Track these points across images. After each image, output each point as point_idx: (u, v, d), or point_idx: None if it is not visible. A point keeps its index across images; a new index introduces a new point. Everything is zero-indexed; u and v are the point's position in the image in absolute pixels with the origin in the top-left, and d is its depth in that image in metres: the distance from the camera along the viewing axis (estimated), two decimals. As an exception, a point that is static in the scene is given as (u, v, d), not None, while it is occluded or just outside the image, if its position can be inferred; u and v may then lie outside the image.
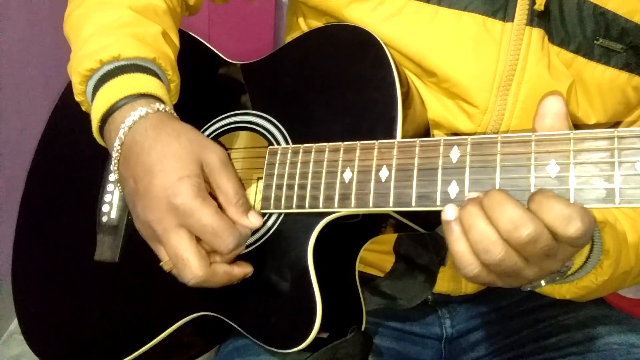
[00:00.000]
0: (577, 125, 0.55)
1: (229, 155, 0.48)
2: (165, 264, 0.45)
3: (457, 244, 0.38)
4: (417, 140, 0.44)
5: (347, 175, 0.46)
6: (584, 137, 0.38)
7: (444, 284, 0.61)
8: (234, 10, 1.27)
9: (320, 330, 0.44)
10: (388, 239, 0.57)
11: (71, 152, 0.65)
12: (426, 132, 0.54)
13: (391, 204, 0.43)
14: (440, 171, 0.42)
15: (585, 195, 0.37)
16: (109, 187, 0.60)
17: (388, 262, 0.59)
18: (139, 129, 0.46)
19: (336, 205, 0.46)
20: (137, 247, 0.49)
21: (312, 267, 0.45)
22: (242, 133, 0.57)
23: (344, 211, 0.46)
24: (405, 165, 0.44)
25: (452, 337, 0.61)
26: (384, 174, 0.44)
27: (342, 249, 0.51)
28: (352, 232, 0.51)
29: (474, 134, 0.53)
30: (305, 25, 0.62)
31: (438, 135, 0.55)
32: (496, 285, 0.40)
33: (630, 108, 0.57)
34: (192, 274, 0.43)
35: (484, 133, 0.53)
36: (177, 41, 0.56)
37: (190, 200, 0.43)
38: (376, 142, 0.45)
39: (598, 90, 0.54)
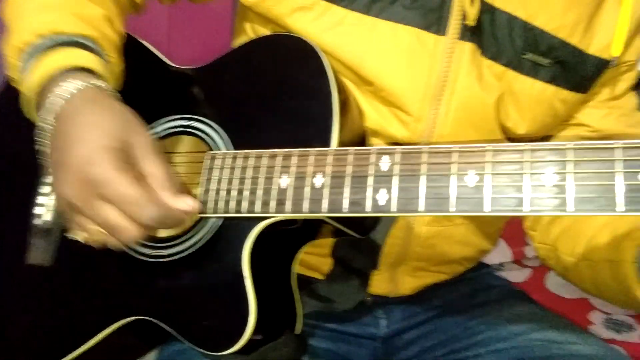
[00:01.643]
0: (508, 135, 0.61)
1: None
2: (78, 234, 0.45)
3: None
4: (351, 149, 0.48)
5: (284, 182, 0.49)
6: (500, 149, 0.43)
7: (382, 285, 0.66)
8: (195, 13, 1.28)
9: (254, 333, 0.48)
10: (327, 242, 0.61)
11: (4, 154, 0.65)
12: (363, 139, 0.58)
13: (325, 210, 0.47)
14: (370, 179, 0.46)
15: (499, 204, 0.42)
16: (44, 188, 0.60)
17: (327, 265, 0.63)
18: (74, 101, 0.46)
19: (273, 210, 0.49)
20: (72, 250, 0.51)
21: (247, 270, 0.49)
22: (184, 137, 0.59)
23: (280, 216, 0.49)
24: (339, 173, 0.48)
25: (387, 337, 0.66)
26: (318, 180, 0.48)
27: (279, 253, 0.55)
28: (289, 236, 0.55)
29: (409, 141, 0.57)
30: (251, 30, 0.65)
31: (376, 142, 0.59)
32: None
33: (559, 120, 0.63)
34: (128, 231, 0.43)
35: (418, 141, 0.57)
36: (121, 28, 0.57)
37: (107, 170, 0.42)
38: (312, 150, 0.49)
39: (527, 102, 0.59)
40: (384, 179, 0.46)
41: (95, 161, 0.43)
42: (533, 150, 0.42)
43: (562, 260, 0.62)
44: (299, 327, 0.55)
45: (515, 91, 0.59)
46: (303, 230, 0.55)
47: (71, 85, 0.46)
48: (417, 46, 0.55)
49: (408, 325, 0.66)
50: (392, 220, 0.58)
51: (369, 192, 0.46)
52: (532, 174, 0.41)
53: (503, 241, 1.30)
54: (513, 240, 1.37)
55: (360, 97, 0.58)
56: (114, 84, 0.53)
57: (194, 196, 0.55)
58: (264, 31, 0.62)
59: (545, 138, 0.66)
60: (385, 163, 0.46)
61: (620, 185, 0.38)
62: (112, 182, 0.42)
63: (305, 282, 0.62)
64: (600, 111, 0.64)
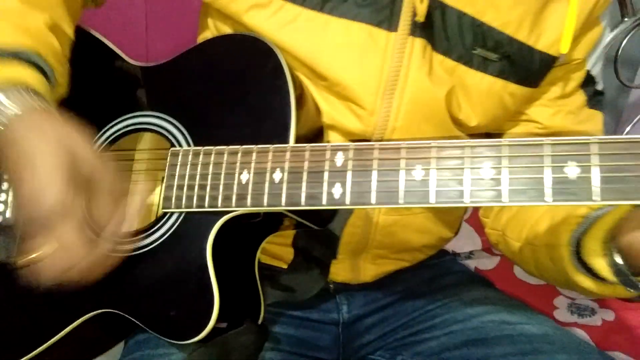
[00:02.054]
0: (461, 127, 0.65)
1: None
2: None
3: None
4: (308, 145, 0.51)
5: (244, 177, 0.53)
6: (444, 146, 0.47)
7: (344, 273, 0.69)
8: (173, 7, 1.29)
9: (218, 321, 0.51)
10: (289, 233, 0.65)
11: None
12: (320, 134, 0.61)
13: (283, 204, 0.51)
14: (326, 174, 0.50)
15: (443, 196, 0.46)
16: (3, 185, 0.62)
17: (290, 254, 0.67)
18: (13, 126, 0.47)
19: (234, 204, 0.52)
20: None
21: (210, 262, 0.52)
22: (146, 134, 0.62)
23: (241, 210, 0.52)
24: (296, 168, 0.51)
25: (348, 322, 0.70)
26: (277, 175, 0.52)
27: (242, 245, 0.58)
28: (252, 229, 0.58)
29: (364, 134, 0.61)
30: (214, 26, 0.67)
31: (333, 136, 0.63)
32: None
33: (509, 112, 0.67)
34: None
35: (372, 133, 0.61)
36: (70, 31, 0.58)
37: (58, 203, 0.45)
38: (271, 147, 0.52)
39: (478, 96, 0.63)
40: (338, 174, 0.49)
41: (46, 199, 0.45)
42: (473, 147, 0.45)
43: (509, 244, 0.66)
44: (261, 317, 0.58)
45: (466, 85, 0.62)
46: (265, 223, 0.58)
47: (9, 111, 0.47)
48: (369, 42, 0.58)
49: (369, 311, 0.70)
50: (349, 212, 0.61)
51: (325, 186, 0.50)
52: (472, 168, 0.45)
53: (473, 230, 1.34)
54: (483, 229, 1.43)
55: (315, 92, 0.61)
56: (57, 94, 0.54)
57: (158, 192, 0.58)
58: (225, 28, 0.65)
59: (499, 134, 0.71)
60: (339, 159, 0.50)
61: (548, 178, 0.42)
62: (65, 214, 0.45)
63: (269, 272, 0.66)
64: (549, 109, 0.68)
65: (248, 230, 0.58)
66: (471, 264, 1.23)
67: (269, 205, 0.51)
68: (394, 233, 0.67)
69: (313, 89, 0.62)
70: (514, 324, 0.65)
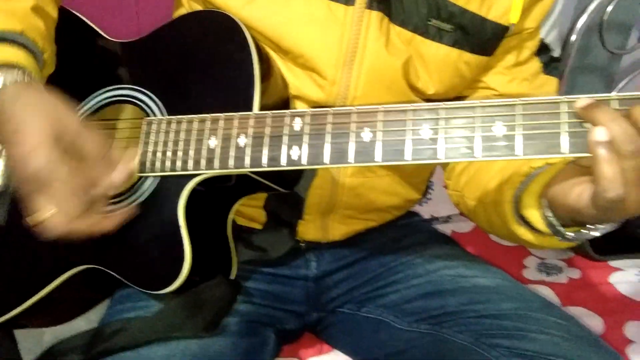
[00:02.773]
0: (420, 95, 0.70)
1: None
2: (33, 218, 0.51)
3: (608, 166, 0.41)
4: (269, 112, 0.56)
5: (212, 142, 0.58)
6: (389, 110, 0.52)
7: (314, 232, 0.75)
8: None
9: (190, 274, 0.57)
10: (261, 196, 0.70)
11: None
12: (287, 103, 0.66)
13: (247, 165, 0.56)
14: (285, 138, 0.55)
15: (388, 155, 0.51)
16: None
17: (263, 216, 0.72)
18: (2, 97, 0.52)
19: (203, 167, 0.58)
20: (22, 210, 0.59)
21: (182, 220, 0.57)
22: (124, 106, 0.66)
23: (210, 172, 0.58)
24: (259, 133, 0.56)
25: (317, 277, 0.76)
26: (242, 140, 0.57)
27: (215, 207, 0.64)
28: (223, 192, 0.64)
29: (326, 103, 0.66)
30: (187, 3, 0.71)
31: (299, 105, 0.68)
32: (623, 210, 0.43)
33: (466, 80, 0.71)
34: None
35: (335, 102, 0.66)
36: (53, 13, 0.63)
37: (45, 164, 0.49)
38: (237, 114, 0.57)
39: (435, 65, 0.68)
40: (296, 137, 0.55)
41: (34, 160, 0.49)
42: (414, 110, 0.51)
43: (467, 204, 0.72)
44: (233, 273, 0.64)
45: (423, 55, 0.67)
46: (236, 187, 0.64)
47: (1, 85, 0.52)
48: (328, 16, 0.63)
49: (337, 267, 0.76)
50: (313, 175, 0.67)
51: (284, 149, 0.55)
52: (413, 129, 0.50)
53: (451, 195, 1.40)
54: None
55: (282, 64, 0.66)
56: (45, 72, 0.58)
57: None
58: (196, 5, 0.69)
59: (458, 99, 0.75)
60: (297, 124, 0.55)
61: (478, 136, 0.48)
62: (53, 173, 0.49)
63: (244, 233, 0.71)
64: (505, 77, 0.72)
65: (221, 193, 0.64)
66: (448, 227, 1.28)
67: (234, 168, 0.56)
68: (361, 194, 0.73)
69: (279, 62, 0.66)
70: (468, 277, 0.71)
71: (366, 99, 0.66)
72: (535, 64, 0.74)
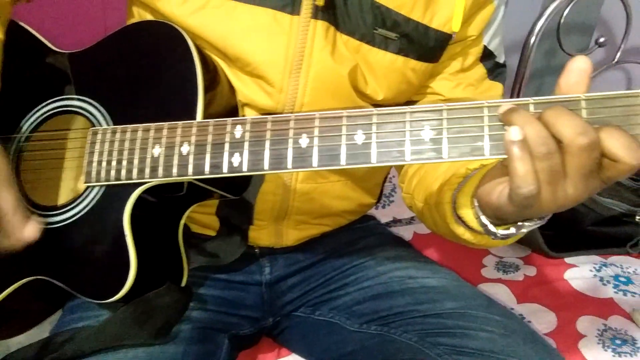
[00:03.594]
0: (369, 101, 0.72)
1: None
2: None
3: (521, 164, 0.43)
4: (211, 121, 0.57)
5: (156, 151, 0.58)
6: (325, 116, 0.53)
7: (268, 238, 0.76)
8: None
9: (136, 282, 0.57)
10: (213, 203, 0.71)
11: None
12: (235, 111, 0.67)
13: (190, 173, 0.57)
14: (226, 145, 0.56)
15: (324, 160, 0.52)
16: None
17: (216, 222, 0.73)
18: None
19: (148, 176, 0.58)
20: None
21: (128, 228, 0.58)
22: (70, 116, 0.67)
23: (154, 181, 0.58)
24: (201, 141, 0.57)
25: (271, 282, 0.77)
26: (185, 149, 0.57)
27: (163, 214, 0.64)
28: (173, 200, 0.64)
29: (274, 110, 0.67)
30: (137, 13, 0.72)
31: (248, 113, 0.69)
32: (539, 208, 0.44)
33: (413, 86, 0.73)
34: None
35: (283, 109, 0.67)
36: (1, 35, 0.62)
37: None
38: (180, 123, 0.58)
39: (382, 72, 0.70)
40: (237, 144, 0.56)
41: None
42: (349, 116, 0.52)
43: (416, 205, 0.74)
44: (184, 280, 0.65)
45: (370, 62, 0.69)
46: (185, 194, 0.64)
47: None
48: (274, 25, 0.64)
49: (290, 272, 0.77)
50: (261, 181, 0.68)
51: (226, 156, 0.56)
52: (347, 135, 0.52)
53: (416, 199, 1.42)
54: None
55: (230, 73, 0.67)
56: None
57: (80, 168, 0.63)
58: (146, 15, 0.70)
59: (408, 104, 0.77)
60: (238, 131, 0.56)
61: (408, 140, 0.49)
62: None
63: (196, 240, 0.72)
64: (450, 82, 0.75)
65: (170, 201, 0.64)
66: (411, 229, 1.30)
67: (178, 176, 0.57)
68: (313, 200, 0.74)
69: (227, 70, 0.67)
70: (417, 278, 0.72)
71: (314, 106, 0.67)
72: (480, 69, 0.76)
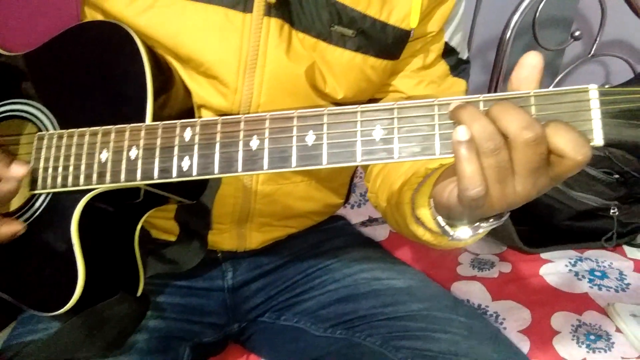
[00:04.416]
0: (329, 100, 0.70)
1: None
2: None
3: (468, 165, 0.42)
4: (160, 123, 0.55)
5: (104, 156, 0.56)
6: (275, 117, 0.51)
7: (230, 242, 0.74)
8: None
9: (87, 295, 0.55)
10: (172, 207, 0.69)
11: None
12: (189, 112, 0.65)
13: (139, 178, 0.55)
14: (176, 149, 0.54)
15: (274, 162, 0.51)
16: None
17: (176, 227, 0.71)
18: None
19: (95, 182, 0.56)
20: None
21: (76, 237, 0.56)
22: (17, 121, 0.64)
23: (102, 187, 0.56)
24: (150, 145, 0.55)
25: (234, 288, 0.75)
26: (133, 153, 0.55)
27: (116, 221, 0.62)
28: (126, 206, 0.62)
29: (230, 111, 0.65)
30: (90, 14, 0.70)
31: (204, 114, 0.67)
32: (489, 207, 0.43)
33: (374, 84, 0.71)
34: None
35: (239, 110, 0.65)
36: None
37: None
38: (128, 126, 0.56)
39: (341, 70, 0.68)
40: (187, 147, 0.54)
41: None
42: (299, 117, 0.50)
43: (380, 205, 0.72)
44: (140, 289, 0.63)
45: (328, 60, 0.67)
46: (138, 200, 0.62)
47: None
48: (226, 24, 0.62)
49: (254, 276, 0.76)
50: (218, 184, 0.66)
51: (175, 160, 0.54)
52: (298, 136, 0.50)
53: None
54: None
55: (184, 74, 0.65)
56: None
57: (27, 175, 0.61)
58: (97, 15, 0.68)
59: (370, 102, 0.76)
60: (187, 134, 0.54)
61: (359, 141, 0.48)
62: None
63: (155, 246, 0.70)
64: (412, 80, 0.73)
65: (123, 207, 0.62)
66: (387, 227, 1.29)
67: (126, 181, 0.55)
68: (275, 201, 0.72)
69: (182, 71, 0.65)
70: (383, 280, 0.71)
71: (271, 106, 0.65)
72: (443, 66, 0.75)
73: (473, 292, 1.06)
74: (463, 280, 1.09)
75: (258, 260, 0.76)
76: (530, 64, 0.43)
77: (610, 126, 0.40)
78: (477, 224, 0.50)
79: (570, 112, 0.42)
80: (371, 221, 1.33)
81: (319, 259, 0.76)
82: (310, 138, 0.50)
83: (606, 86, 0.42)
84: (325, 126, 0.49)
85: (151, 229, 0.73)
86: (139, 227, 0.65)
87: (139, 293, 0.63)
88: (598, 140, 0.41)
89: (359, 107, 0.48)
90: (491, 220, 0.49)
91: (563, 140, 0.40)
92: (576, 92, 0.41)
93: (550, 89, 0.42)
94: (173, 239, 0.72)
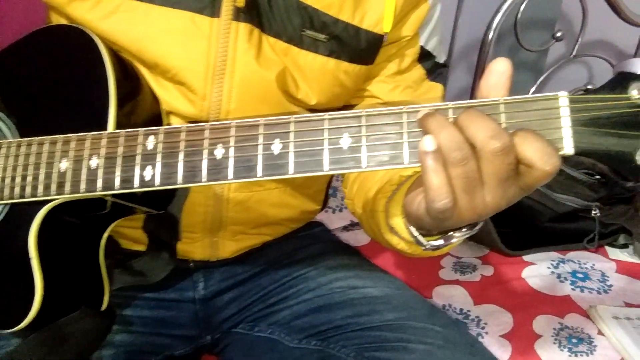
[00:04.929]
0: (302, 106, 0.69)
1: None
2: None
3: (435, 176, 0.40)
4: (123, 131, 0.53)
5: (64, 165, 0.54)
6: (241, 125, 0.50)
7: (202, 251, 0.72)
8: None
9: (45, 310, 0.53)
10: (140, 217, 0.67)
11: None
12: (157, 119, 0.63)
13: (100, 189, 0.52)
14: (138, 157, 0.52)
15: (240, 172, 0.49)
16: None
17: (146, 237, 0.69)
18: None
19: (54, 193, 0.54)
20: None
21: (34, 251, 0.53)
22: None
23: (61, 197, 0.54)
24: (111, 154, 0.53)
25: (205, 299, 0.73)
26: (94, 162, 0.53)
27: (79, 233, 0.60)
28: (89, 217, 0.60)
29: (199, 118, 0.63)
30: (56, 19, 0.67)
31: (174, 121, 0.65)
32: (458, 218, 0.42)
33: (348, 90, 0.70)
34: None
35: (207, 117, 0.63)
36: None
37: None
38: (89, 134, 0.54)
39: (313, 75, 0.66)
40: (149, 156, 0.52)
41: None
42: (266, 125, 0.49)
43: (357, 212, 0.71)
44: (105, 303, 0.61)
45: (300, 65, 0.65)
46: (101, 211, 0.60)
47: None
48: (192, 29, 0.60)
49: (227, 286, 0.74)
50: (186, 194, 0.64)
51: (137, 169, 0.52)
52: (264, 144, 0.48)
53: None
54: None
55: (152, 80, 0.63)
56: None
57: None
58: (61, 20, 0.65)
59: (346, 108, 0.74)
60: (150, 142, 0.52)
61: (327, 149, 0.46)
62: None
63: (126, 256, 0.68)
64: (387, 85, 0.72)
65: (86, 218, 0.60)
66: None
67: (86, 191, 0.53)
68: (249, 209, 0.71)
69: (149, 77, 0.63)
70: (359, 288, 0.70)
71: (242, 113, 0.64)
72: (418, 71, 0.74)
73: (455, 296, 1.05)
74: (445, 284, 1.08)
75: (231, 270, 0.74)
76: (499, 70, 0.42)
77: (581, 134, 0.39)
78: (451, 233, 0.48)
79: (540, 120, 0.40)
80: (353, 225, 1.31)
81: (294, 268, 0.75)
82: (276, 147, 0.48)
83: (589, 87, 0.41)
84: (292, 134, 0.48)
85: (120, 238, 0.71)
86: (104, 238, 0.62)
87: (104, 307, 0.61)
88: (568, 149, 0.40)
89: (327, 115, 0.47)
90: (464, 230, 0.48)
91: (531, 150, 0.39)
92: (546, 100, 0.40)
93: (520, 96, 0.41)
94: (143, 248, 0.70)
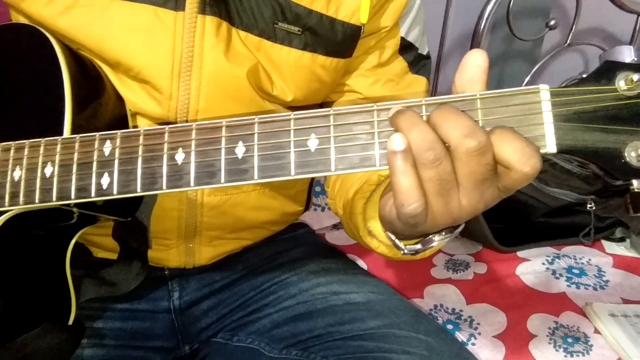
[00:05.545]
0: (278, 102, 0.65)
1: None
2: None
3: (404, 178, 0.38)
4: (78, 136, 0.50)
5: (17, 174, 0.51)
6: (202, 127, 0.46)
7: (178, 258, 0.69)
8: None
9: (5, 327, 0.49)
10: (109, 224, 0.64)
11: None
12: (122, 122, 0.60)
13: (55, 199, 0.49)
14: (94, 164, 0.49)
15: (201, 177, 0.45)
16: None
17: (117, 245, 0.65)
18: None
19: (7, 204, 0.50)
20: None
21: (-12, 266, 0.50)
22: None
23: (15, 209, 0.51)
24: (67, 161, 0.49)
25: (181, 308, 0.70)
26: (48, 170, 0.50)
27: (41, 245, 0.57)
28: (52, 228, 0.57)
29: (166, 119, 0.60)
30: (14, 16, 0.64)
31: (141, 123, 0.61)
32: (432, 223, 0.40)
33: (326, 85, 0.66)
34: None
35: (176, 117, 0.60)
36: None
37: None
38: (43, 140, 0.50)
39: (288, 70, 0.63)
40: (106, 163, 0.48)
41: None
42: (227, 127, 0.45)
43: (338, 212, 0.68)
44: (72, 316, 0.57)
45: (274, 60, 0.62)
46: (64, 220, 0.57)
47: None
48: (155, 23, 0.57)
49: (203, 295, 0.70)
50: (154, 200, 0.61)
51: (94, 177, 0.48)
52: (227, 148, 0.45)
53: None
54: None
55: (115, 79, 0.59)
56: None
57: None
58: (20, 18, 0.62)
59: (326, 104, 0.71)
60: (107, 148, 0.49)
61: (292, 153, 0.43)
62: None
63: (97, 265, 0.64)
64: (368, 79, 0.68)
65: (48, 229, 0.57)
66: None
67: (40, 202, 0.49)
68: (225, 213, 0.67)
69: (112, 76, 0.60)
70: (341, 294, 0.67)
71: (212, 112, 0.60)
72: (400, 63, 0.70)
73: (447, 296, 1.02)
74: (437, 284, 1.05)
75: (208, 277, 0.71)
76: (475, 63, 0.38)
77: (565, 131, 0.36)
78: (430, 237, 0.45)
79: (520, 116, 0.37)
80: (341, 224, 1.28)
81: (274, 273, 0.71)
82: (240, 150, 0.44)
83: (584, 75, 0.37)
84: (255, 136, 0.44)
85: (91, 246, 0.68)
86: (69, 248, 0.59)
87: (71, 321, 0.57)
88: (550, 147, 0.36)
89: (293, 115, 0.43)
90: (443, 233, 0.44)
91: (509, 150, 0.35)
92: (525, 93, 0.37)
93: (497, 90, 0.37)
94: (115, 257, 0.67)
